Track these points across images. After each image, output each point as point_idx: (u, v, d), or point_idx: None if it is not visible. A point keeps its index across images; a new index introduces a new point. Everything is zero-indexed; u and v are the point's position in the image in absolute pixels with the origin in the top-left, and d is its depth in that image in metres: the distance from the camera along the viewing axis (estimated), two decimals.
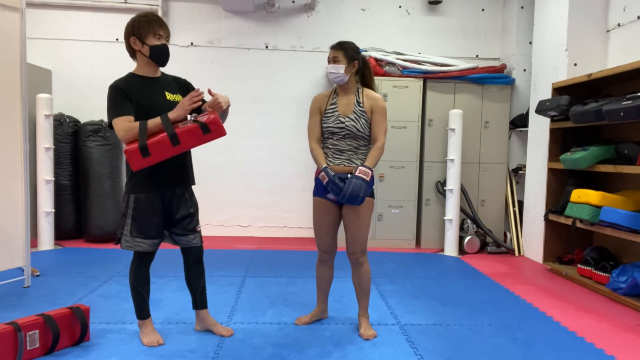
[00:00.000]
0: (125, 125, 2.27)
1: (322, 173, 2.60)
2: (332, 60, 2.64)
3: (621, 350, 2.59)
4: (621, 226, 3.42)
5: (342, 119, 2.63)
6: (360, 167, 2.55)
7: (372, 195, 2.68)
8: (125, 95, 2.33)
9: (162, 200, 2.45)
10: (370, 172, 2.55)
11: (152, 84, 2.44)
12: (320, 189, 2.70)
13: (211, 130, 2.26)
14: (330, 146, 2.68)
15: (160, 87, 2.46)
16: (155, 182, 2.38)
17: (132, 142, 2.26)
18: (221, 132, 2.28)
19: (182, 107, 2.32)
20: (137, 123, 2.28)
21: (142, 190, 2.39)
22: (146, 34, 2.36)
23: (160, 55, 2.41)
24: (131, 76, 2.43)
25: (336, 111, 2.67)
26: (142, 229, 2.40)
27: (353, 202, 2.52)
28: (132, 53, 2.44)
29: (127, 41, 2.41)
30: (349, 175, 2.56)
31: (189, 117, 2.31)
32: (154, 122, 2.28)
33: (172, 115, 2.31)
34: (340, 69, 2.61)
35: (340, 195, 2.53)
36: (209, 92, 2.46)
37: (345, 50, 2.63)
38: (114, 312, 2.97)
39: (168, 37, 2.44)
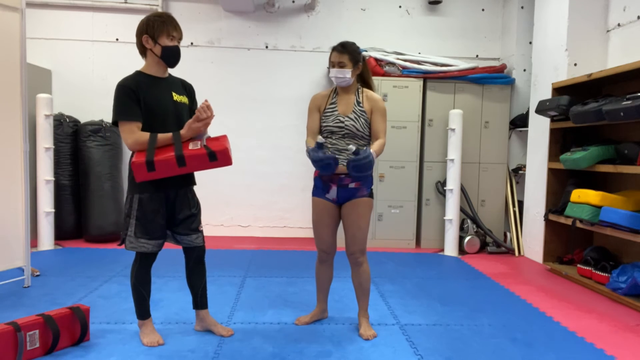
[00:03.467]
0: (136, 136, 2.30)
1: (309, 149, 2.49)
2: (338, 65, 2.61)
3: (621, 350, 2.60)
4: (621, 226, 3.42)
5: (341, 118, 2.63)
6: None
7: (371, 195, 2.68)
8: (134, 95, 2.33)
9: (165, 200, 2.45)
10: (375, 156, 2.46)
11: (159, 84, 2.45)
12: (319, 190, 2.70)
13: (218, 159, 2.28)
14: (329, 145, 2.67)
15: (167, 87, 2.47)
16: (159, 182, 2.38)
17: (140, 152, 2.29)
18: (227, 162, 2.30)
19: (195, 129, 2.33)
20: (147, 136, 2.30)
21: (145, 191, 2.39)
22: (160, 33, 2.38)
23: (172, 56, 2.43)
24: (139, 74, 2.44)
25: (336, 110, 2.66)
26: (146, 229, 2.41)
27: (359, 172, 2.42)
28: (142, 51, 2.45)
29: (139, 39, 2.42)
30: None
31: (198, 142, 2.31)
32: (164, 137, 2.31)
33: (183, 132, 2.33)
34: (347, 73, 2.60)
35: (350, 165, 2.40)
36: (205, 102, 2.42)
37: (351, 54, 2.61)
38: (114, 312, 2.97)
39: (180, 39, 2.47)
